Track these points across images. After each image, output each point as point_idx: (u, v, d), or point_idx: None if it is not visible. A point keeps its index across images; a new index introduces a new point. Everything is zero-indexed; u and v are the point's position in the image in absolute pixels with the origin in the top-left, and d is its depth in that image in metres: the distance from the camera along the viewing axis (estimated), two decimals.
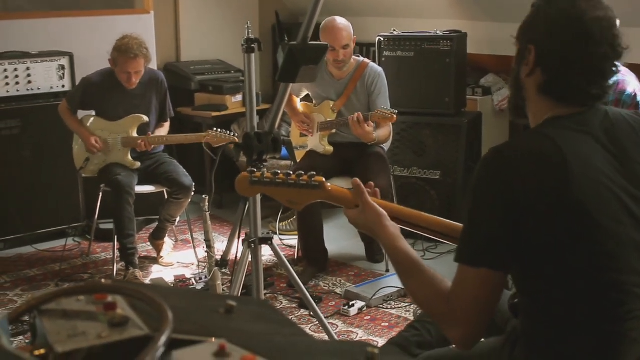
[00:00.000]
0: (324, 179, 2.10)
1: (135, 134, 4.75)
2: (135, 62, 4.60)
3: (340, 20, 4.55)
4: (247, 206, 3.18)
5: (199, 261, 4.89)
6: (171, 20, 6.50)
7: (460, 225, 1.88)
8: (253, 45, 3.08)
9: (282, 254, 3.30)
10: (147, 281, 4.55)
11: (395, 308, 4.17)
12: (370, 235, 2.07)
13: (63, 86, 5.32)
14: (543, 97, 1.82)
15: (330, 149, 4.70)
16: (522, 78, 1.85)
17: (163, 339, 1.03)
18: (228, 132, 4.62)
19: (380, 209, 2.01)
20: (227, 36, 6.66)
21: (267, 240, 3.13)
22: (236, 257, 3.20)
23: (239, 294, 3.18)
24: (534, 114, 1.86)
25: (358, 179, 2.03)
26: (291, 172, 2.10)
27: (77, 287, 1.19)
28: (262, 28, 6.84)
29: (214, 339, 1.08)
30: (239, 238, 3.28)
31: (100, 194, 4.80)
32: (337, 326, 3.97)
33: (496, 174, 1.72)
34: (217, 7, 6.68)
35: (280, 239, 5.22)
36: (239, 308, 1.24)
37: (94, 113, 4.87)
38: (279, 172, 2.11)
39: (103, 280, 1.20)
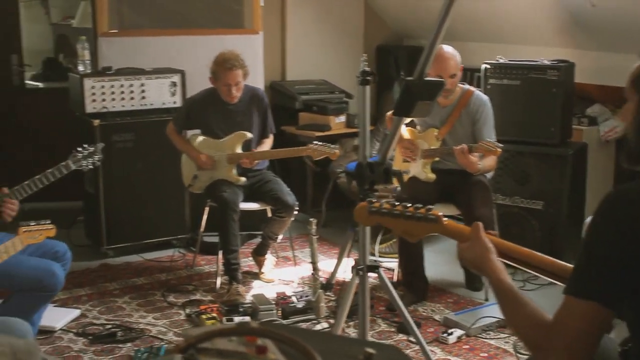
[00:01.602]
0: (440, 213, 2.15)
1: (240, 151, 4.90)
2: (234, 73, 4.76)
3: (448, 49, 4.57)
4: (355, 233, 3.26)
5: (302, 280, 5.00)
6: (278, 41, 6.66)
7: (572, 266, 1.90)
8: (368, 78, 3.16)
9: (387, 280, 3.35)
10: (248, 296, 4.67)
11: (494, 338, 4.17)
12: (475, 271, 2.10)
13: (174, 102, 5.53)
14: None
15: (433, 176, 4.72)
16: None
17: None
18: (329, 145, 4.71)
19: (489, 244, 2.05)
20: (332, 57, 6.78)
21: (375, 269, 3.20)
22: (343, 282, 3.27)
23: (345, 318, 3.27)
24: None
25: (480, 224, 2.07)
26: (408, 204, 2.15)
27: (231, 329, 1.28)
28: (366, 47, 6.92)
29: None
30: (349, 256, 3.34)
31: (207, 208, 4.97)
32: (436, 353, 3.99)
33: (617, 212, 1.74)
34: (323, 28, 6.81)
35: (380, 262, 5.28)
36: (377, 355, 1.31)
37: (199, 132, 5.05)
38: (397, 203, 2.17)
39: (254, 324, 1.28)
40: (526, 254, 2.12)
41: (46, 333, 4.16)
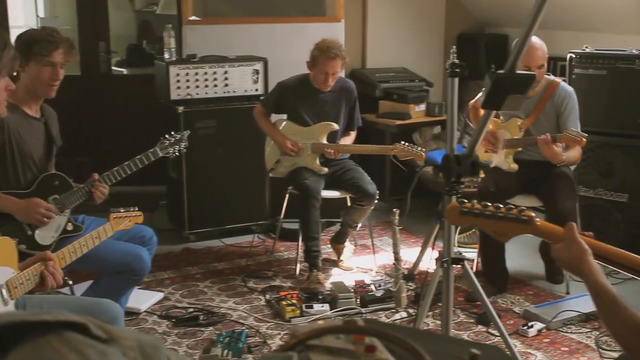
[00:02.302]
0: (533, 214, 2.14)
1: (325, 141, 4.93)
2: (334, 62, 4.78)
3: (536, 39, 4.50)
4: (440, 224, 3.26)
5: (383, 269, 5.01)
6: (359, 28, 6.66)
7: None
8: (457, 70, 3.14)
9: (472, 273, 3.34)
10: (327, 284, 4.72)
11: (575, 333, 4.12)
12: (571, 272, 2.09)
13: (256, 90, 5.59)
14: None
15: (515, 166, 4.67)
16: None
17: None
18: (416, 147, 4.71)
19: (585, 245, 2.04)
20: (413, 45, 6.75)
21: (460, 261, 3.20)
22: (425, 272, 3.28)
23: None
24: None
25: (574, 224, 2.06)
26: (501, 205, 2.15)
27: (339, 327, 1.30)
28: (447, 35, 6.88)
29: None
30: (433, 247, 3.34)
31: (287, 195, 5.03)
32: (516, 346, 3.94)
33: None
34: (404, 16, 6.78)
35: (459, 252, 5.25)
36: (482, 357, 1.31)
37: (285, 117, 5.10)
38: (489, 204, 2.17)
39: (360, 321, 1.31)
40: (621, 255, 2.11)
41: (131, 315, 4.29)
